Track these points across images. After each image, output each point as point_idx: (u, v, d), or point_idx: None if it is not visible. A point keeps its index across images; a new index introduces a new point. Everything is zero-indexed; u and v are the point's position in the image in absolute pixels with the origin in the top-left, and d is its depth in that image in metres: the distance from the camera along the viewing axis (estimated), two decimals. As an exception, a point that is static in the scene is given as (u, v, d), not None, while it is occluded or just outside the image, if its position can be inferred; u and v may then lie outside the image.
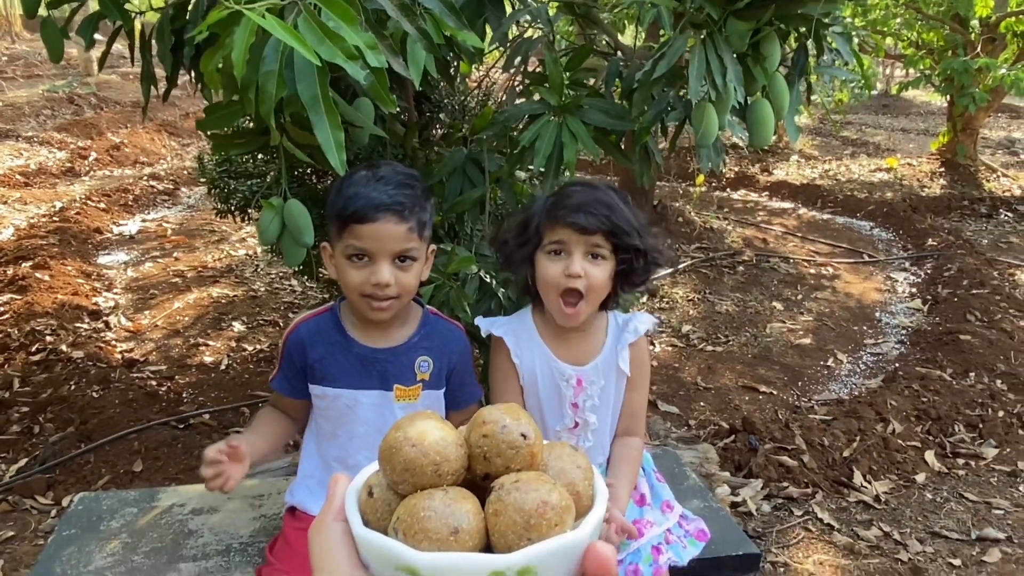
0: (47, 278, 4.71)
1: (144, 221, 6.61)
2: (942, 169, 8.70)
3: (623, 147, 2.18)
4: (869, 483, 2.99)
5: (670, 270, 5.35)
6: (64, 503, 2.74)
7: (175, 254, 5.62)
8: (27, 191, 7.11)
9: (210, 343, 4.11)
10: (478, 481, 0.56)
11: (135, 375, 3.66)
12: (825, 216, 7.49)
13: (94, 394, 3.34)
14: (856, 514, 2.85)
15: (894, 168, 8.98)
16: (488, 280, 2.14)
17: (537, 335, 1.72)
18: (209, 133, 1.88)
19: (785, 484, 2.94)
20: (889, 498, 2.93)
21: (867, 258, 6.09)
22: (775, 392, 3.81)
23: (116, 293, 4.85)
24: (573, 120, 2.02)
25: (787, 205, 7.96)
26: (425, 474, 0.53)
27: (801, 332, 4.55)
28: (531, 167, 2.40)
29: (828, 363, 4.18)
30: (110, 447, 3.00)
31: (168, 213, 6.94)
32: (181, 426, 3.20)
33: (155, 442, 3.00)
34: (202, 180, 3.18)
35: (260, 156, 2.95)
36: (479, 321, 1.76)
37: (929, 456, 3.20)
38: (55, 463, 2.93)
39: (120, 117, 10.47)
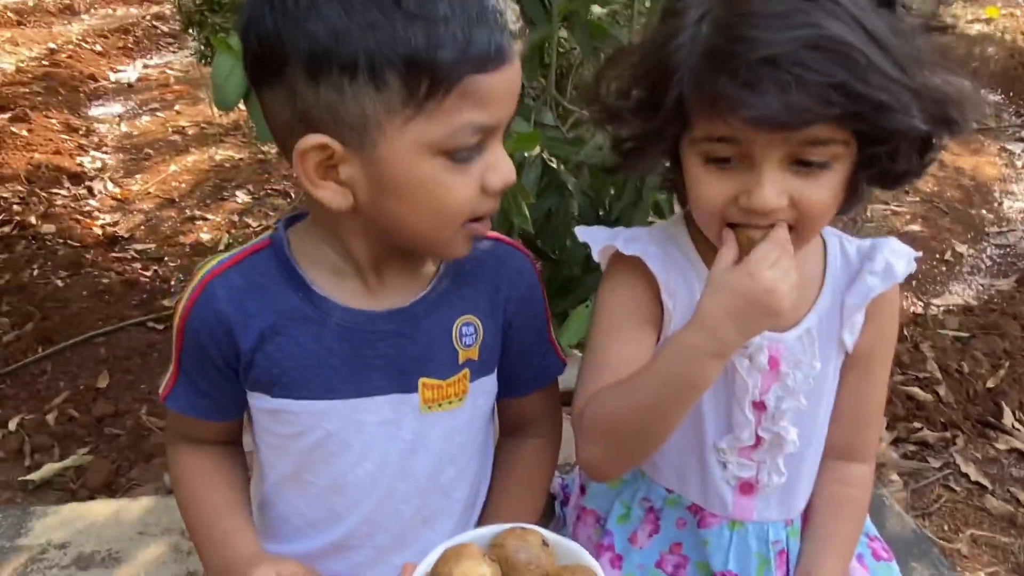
0: (25, 133, 4.07)
1: (146, 67, 5.86)
2: (1054, 20, 7.58)
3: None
4: (1022, 424, 2.35)
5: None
6: (11, 426, 2.20)
7: (176, 106, 4.92)
8: (19, 31, 6.36)
9: (209, 216, 3.48)
10: None
11: (115, 256, 3.06)
12: (919, 74, 6.51)
13: (59, 282, 2.76)
14: (1010, 467, 2.22)
15: (995, 19, 7.84)
16: (554, 165, 1.45)
17: (703, 266, 0.95)
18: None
19: (918, 425, 2.31)
20: (1050, 445, 2.30)
21: (975, 125, 5.21)
22: (886, 294, 3.11)
23: (105, 152, 4.20)
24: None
25: (873, 60, 6.95)
26: None
27: (908, 217, 3.80)
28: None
29: (946, 256, 3.46)
30: (71, 353, 2.43)
31: (173, 59, 6.15)
32: (161, 327, 2.60)
33: (126, 348, 2.43)
34: (176, 18, 2.47)
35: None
36: (583, 232, 0.98)
37: (1091, 386, 2.54)
38: (5, 372, 2.39)
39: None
